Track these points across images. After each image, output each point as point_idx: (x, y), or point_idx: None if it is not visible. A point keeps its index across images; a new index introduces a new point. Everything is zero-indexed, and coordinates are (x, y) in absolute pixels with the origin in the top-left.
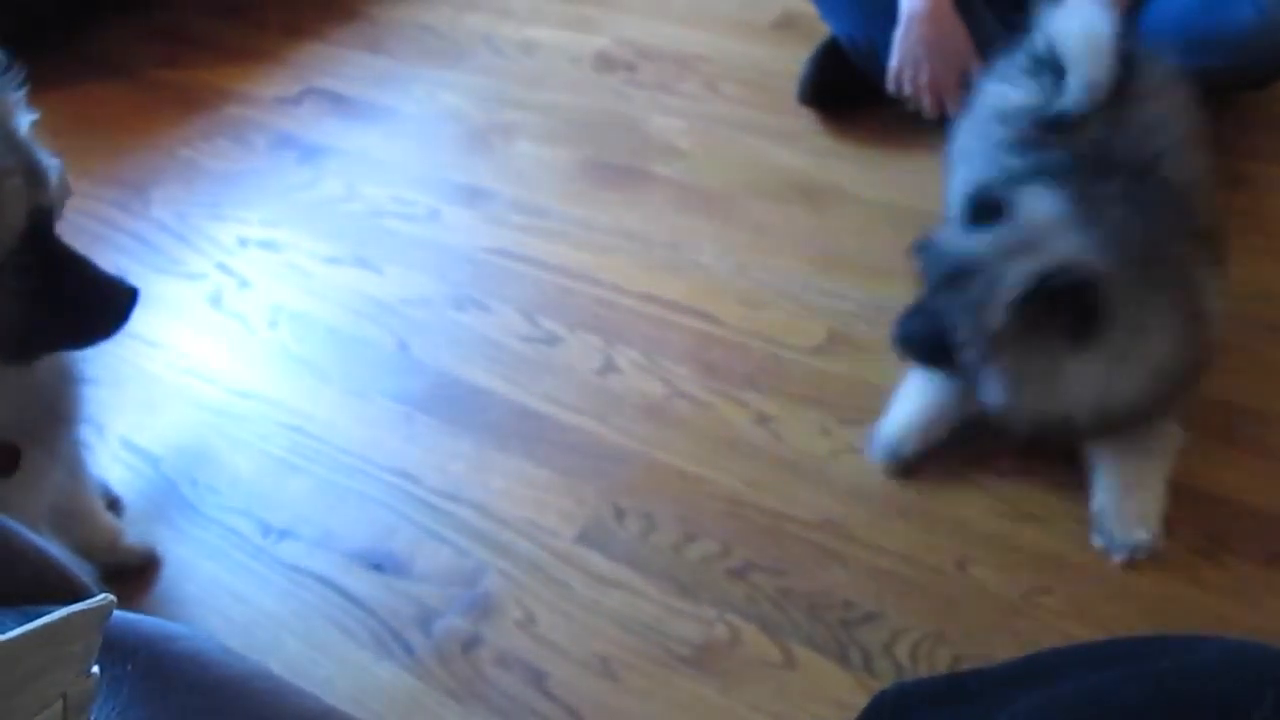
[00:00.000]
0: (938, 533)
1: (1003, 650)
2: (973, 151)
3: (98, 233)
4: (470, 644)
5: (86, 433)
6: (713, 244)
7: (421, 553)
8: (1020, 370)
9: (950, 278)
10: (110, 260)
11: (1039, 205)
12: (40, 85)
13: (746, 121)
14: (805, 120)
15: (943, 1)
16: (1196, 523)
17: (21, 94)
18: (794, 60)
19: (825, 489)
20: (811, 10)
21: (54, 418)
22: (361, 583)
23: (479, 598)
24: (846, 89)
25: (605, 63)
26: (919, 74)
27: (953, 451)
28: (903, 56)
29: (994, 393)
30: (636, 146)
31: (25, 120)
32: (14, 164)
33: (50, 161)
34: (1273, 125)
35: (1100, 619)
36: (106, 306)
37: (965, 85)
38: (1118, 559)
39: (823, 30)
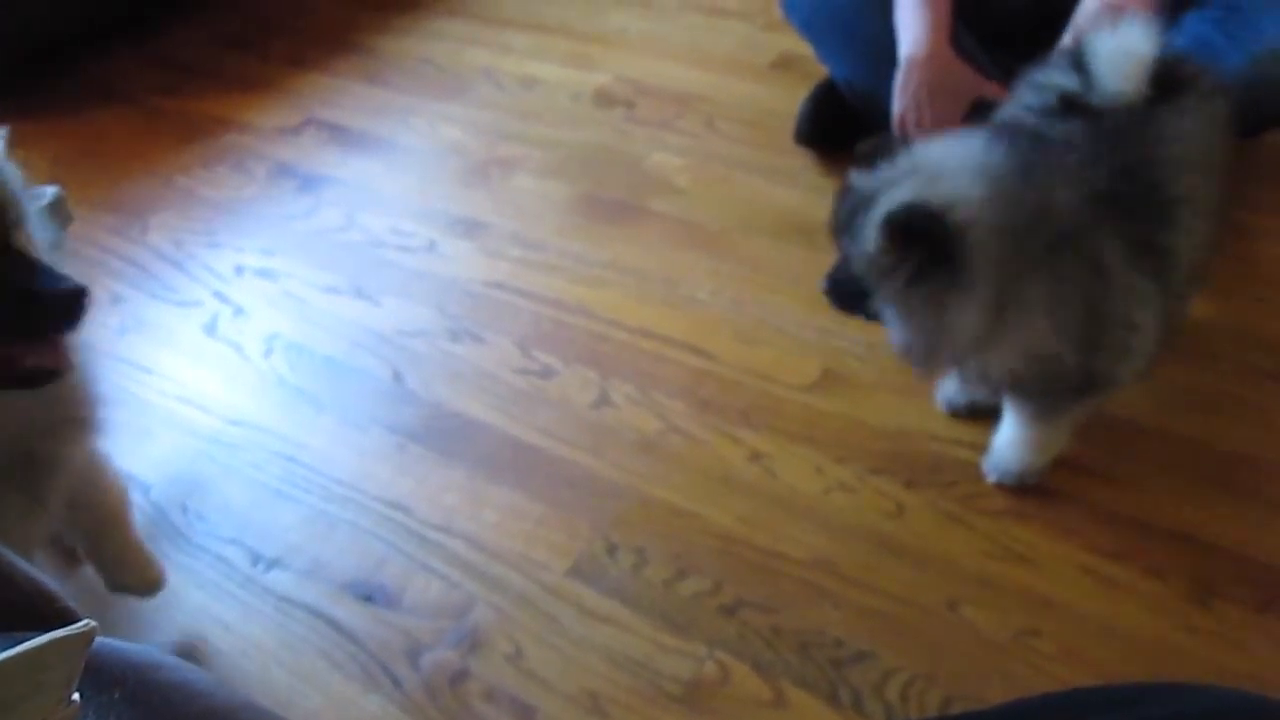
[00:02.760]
0: (928, 572)
1: (993, 692)
2: (1003, 112)
3: (94, 258)
4: (458, 677)
5: (97, 455)
6: (709, 280)
7: (412, 584)
8: (904, 306)
9: (849, 215)
10: (106, 286)
11: (940, 148)
12: (42, 112)
13: (744, 160)
14: (802, 159)
15: (941, 43)
16: (1189, 569)
17: None
18: (791, 100)
19: (817, 527)
20: (809, 51)
21: (28, 460)
22: (350, 614)
23: (468, 631)
24: (843, 129)
25: (605, 99)
26: (922, 117)
27: (944, 491)
28: (905, 102)
29: (893, 333)
30: (634, 182)
31: None
32: None
33: (13, 175)
34: (1265, 175)
35: (1090, 663)
36: (45, 308)
37: (968, 125)
38: (989, 480)
39: (820, 71)
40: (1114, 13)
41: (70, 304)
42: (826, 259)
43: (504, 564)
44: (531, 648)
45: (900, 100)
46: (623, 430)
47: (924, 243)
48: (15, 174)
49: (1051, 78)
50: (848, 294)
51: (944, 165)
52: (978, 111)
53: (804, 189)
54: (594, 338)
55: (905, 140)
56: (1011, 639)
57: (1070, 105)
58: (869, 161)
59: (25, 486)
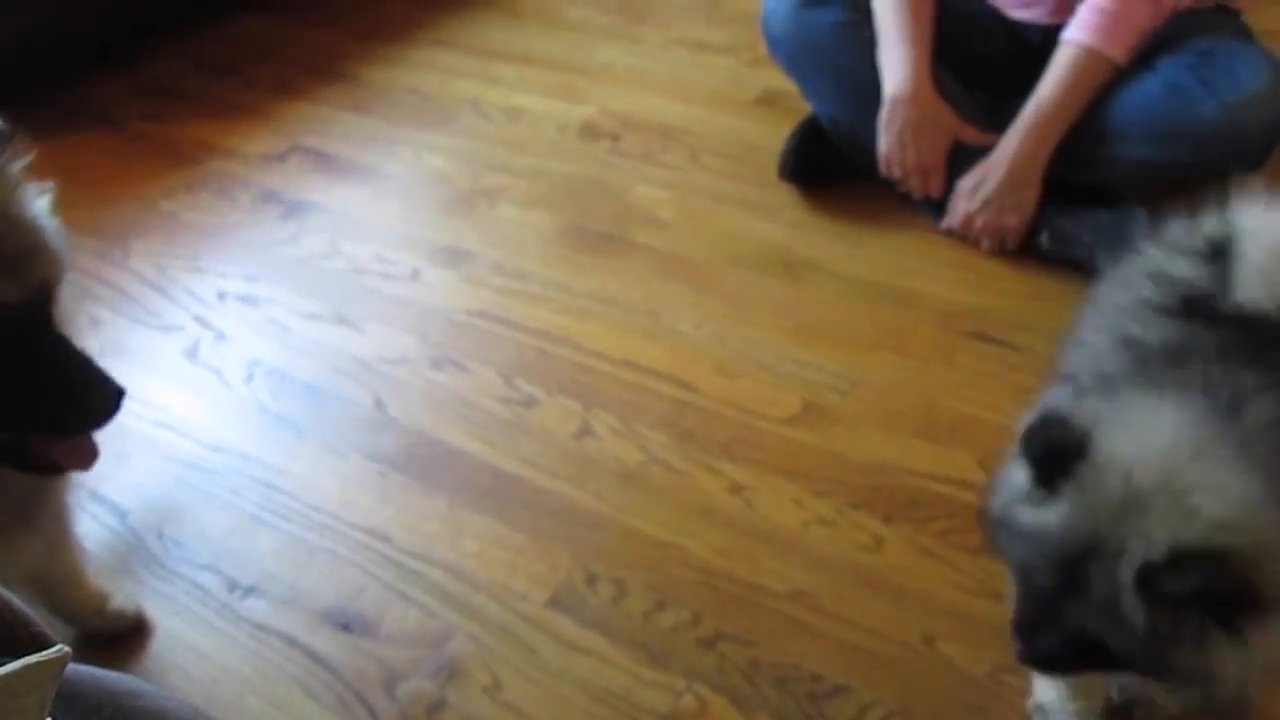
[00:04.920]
0: (906, 607)
1: None
2: (1112, 305)
3: (75, 282)
4: (435, 708)
5: (75, 497)
6: (691, 312)
7: (389, 613)
8: (1177, 663)
9: (1065, 570)
10: (87, 310)
11: (1139, 443)
12: (27, 135)
13: (727, 194)
14: (785, 194)
15: (924, 83)
16: None
17: (20, 168)
18: (775, 135)
19: (796, 560)
20: (794, 88)
21: (33, 491)
22: (327, 642)
23: (446, 661)
24: (826, 166)
25: (590, 131)
26: (906, 156)
27: (921, 526)
28: (890, 141)
29: (1155, 684)
30: (619, 214)
31: (33, 201)
32: None
33: (58, 243)
34: None
35: None
36: (82, 408)
37: (950, 164)
38: None
39: (804, 107)
40: (1093, 58)
41: (110, 405)
42: (807, 294)
43: (483, 594)
44: (509, 678)
45: (885, 139)
46: (604, 461)
47: (1209, 583)
48: (60, 233)
49: (1171, 267)
50: (1078, 662)
51: (1185, 480)
52: (958, 151)
53: (787, 224)
54: (577, 368)
55: (897, 184)
56: (987, 675)
57: (1193, 308)
58: (1048, 476)
59: (20, 515)
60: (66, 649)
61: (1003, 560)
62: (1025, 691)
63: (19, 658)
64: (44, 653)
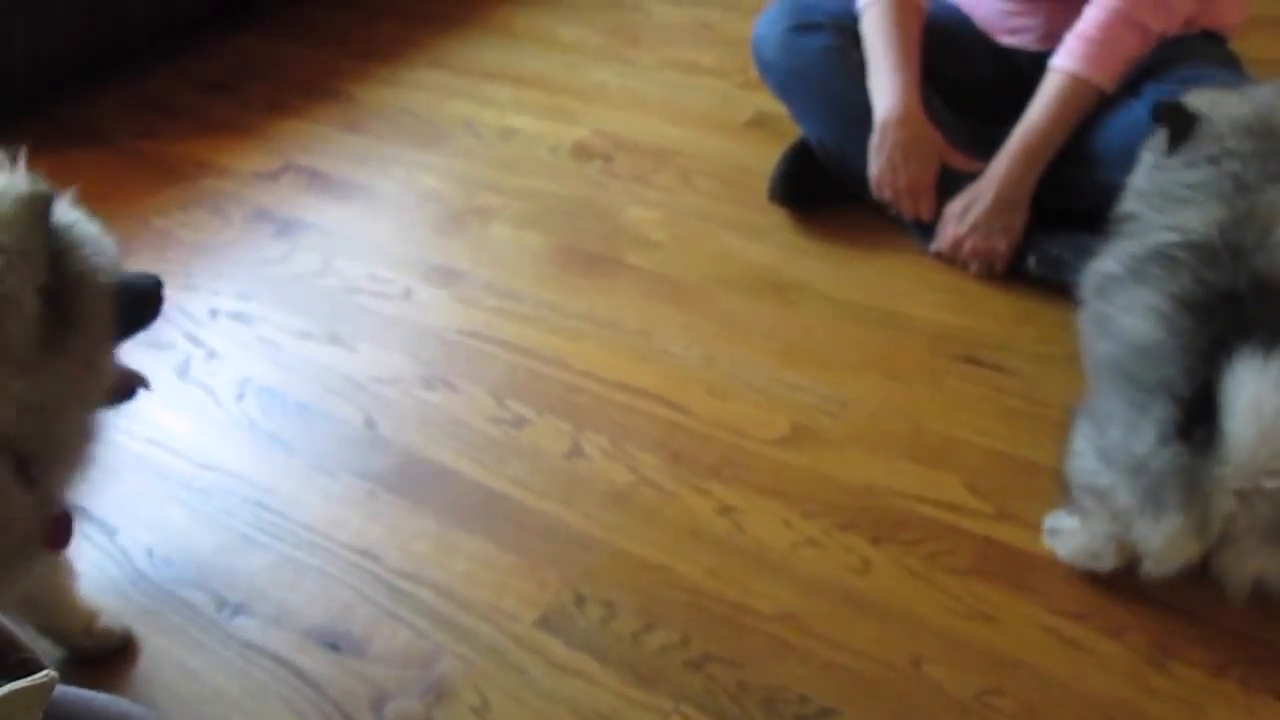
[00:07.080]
0: (893, 629)
1: None
2: None
3: None
4: None
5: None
6: (682, 334)
7: (378, 633)
8: None
9: None
10: None
11: None
12: (22, 151)
13: (719, 215)
14: (776, 217)
15: (913, 106)
16: (1148, 631)
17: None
18: (766, 158)
19: (785, 582)
20: (784, 111)
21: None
22: (315, 662)
23: (434, 681)
24: (816, 189)
25: (583, 152)
26: (897, 178)
27: (909, 548)
28: (881, 164)
29: None
30: (611, 235)
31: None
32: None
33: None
34: None
35: None
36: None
37: (939, 188)
38: None
39: (795, 130)
40: (1080, 86)
41: (156, 294)
42: (797, 316)
43: (472, 614)
44: (498, 699)
45: (876, 162)
46: (594, 482)
47: None
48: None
49: None
50: None
51: None
52: (946, 176)
53: (777, 246)
54: (568, 388)
55: (887, 206)
56: (974, 698)
57: None
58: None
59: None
60: (54, 674)
61: None
62: (1012, 715)
63: (6, 683)
64: (31, 678)
